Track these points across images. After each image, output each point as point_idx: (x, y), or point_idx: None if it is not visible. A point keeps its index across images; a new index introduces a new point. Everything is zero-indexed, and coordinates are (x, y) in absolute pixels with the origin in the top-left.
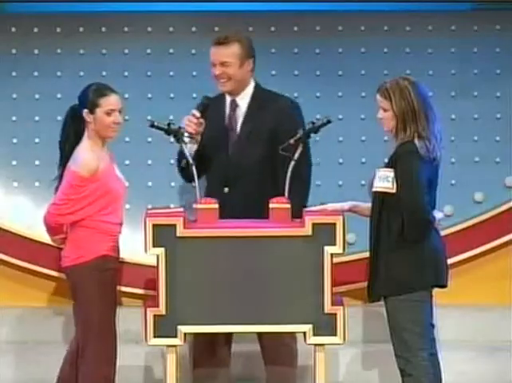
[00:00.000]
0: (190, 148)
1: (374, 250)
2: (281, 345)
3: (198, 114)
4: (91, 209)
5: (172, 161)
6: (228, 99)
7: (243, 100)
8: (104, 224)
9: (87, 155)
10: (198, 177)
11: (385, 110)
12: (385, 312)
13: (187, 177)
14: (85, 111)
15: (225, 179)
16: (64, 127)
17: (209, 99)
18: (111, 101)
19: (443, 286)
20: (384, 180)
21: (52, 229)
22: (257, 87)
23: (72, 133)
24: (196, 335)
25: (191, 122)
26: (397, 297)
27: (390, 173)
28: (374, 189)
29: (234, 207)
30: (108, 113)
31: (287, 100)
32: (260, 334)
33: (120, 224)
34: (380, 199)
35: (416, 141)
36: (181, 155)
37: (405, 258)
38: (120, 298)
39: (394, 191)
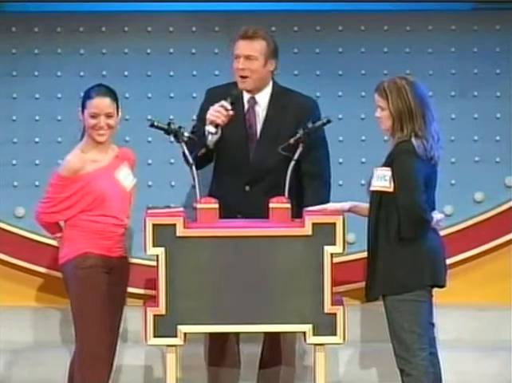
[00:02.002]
0: (211, 140)
1: (372, 250)
2: (283, 344)
3: (229, 106)
4: (76, 209)
5: (172, 161)
6: (246, 95)
7: (262, 98)
8: (89, 223)
9: (71, 156)
10: (206, 164)
11: (382, 109)
12: (384, 311)
13: (203, 164)
14: (79, 110)
15: (246, 177)
16: None
17: (235, 89)
18: (94, 105)
19: (441, 286)
20: (382, 179)
21: (43, 227)
22: (275, 85)
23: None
24: (209, 334)
25: (220, 113)
26: (395, 296)
27: (387, 172)
28: (372, 188)
29: (255, 205)
30: (92, 116)
31: (308, 99)
32: (265, 335)
33: (115, 225)
34: (377, 198)
35: (413, 140)
36: (198, 145)
37: (402, 257)
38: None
39: (391, 189)
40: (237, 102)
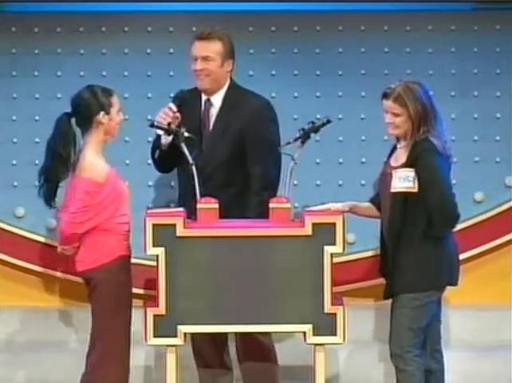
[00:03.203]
0: (164, 141)
1: (394, 248)
2: (254, 340)
3: (174, 108)
4: (105, 213)
5: None
6: (203, 97)
7: (217, 100)
8: (117, 225)
9: (97, 160)
10: (171, 169)
11: (397, 115)
12: (389, 309)
13: (162, 167)
14: (102, 113)
15: (198, 177)
16: (65, 133)
17: (185, 93)
18: (117, 100)
19: (453, 284)
20: (405, 180)
21: (68, 238)
22: (231, 86)
23: (72, 139)
24: (192, 335)
25: (166, 115)
26: (407, 294)
27: (410, 173)
28: (394, 190)
29: None
30: (119, 111)
31: (259, 100)
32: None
33: (127, 222)
34: (401, 199)
35: (432, 139)
36: (156, 145)
37: (424, 258)
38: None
39: (416, 190)
40: (191, 104)
